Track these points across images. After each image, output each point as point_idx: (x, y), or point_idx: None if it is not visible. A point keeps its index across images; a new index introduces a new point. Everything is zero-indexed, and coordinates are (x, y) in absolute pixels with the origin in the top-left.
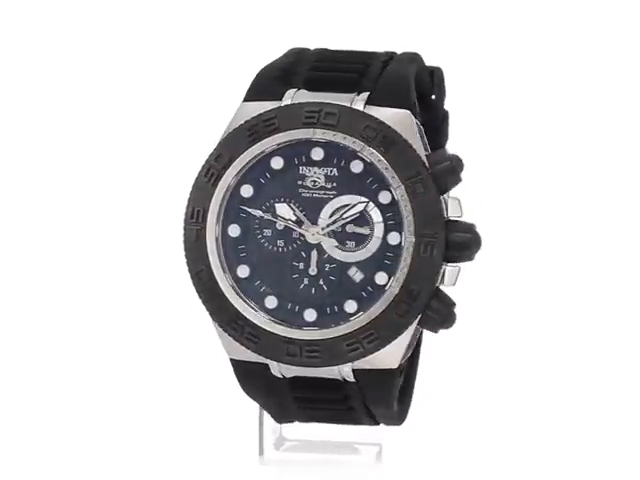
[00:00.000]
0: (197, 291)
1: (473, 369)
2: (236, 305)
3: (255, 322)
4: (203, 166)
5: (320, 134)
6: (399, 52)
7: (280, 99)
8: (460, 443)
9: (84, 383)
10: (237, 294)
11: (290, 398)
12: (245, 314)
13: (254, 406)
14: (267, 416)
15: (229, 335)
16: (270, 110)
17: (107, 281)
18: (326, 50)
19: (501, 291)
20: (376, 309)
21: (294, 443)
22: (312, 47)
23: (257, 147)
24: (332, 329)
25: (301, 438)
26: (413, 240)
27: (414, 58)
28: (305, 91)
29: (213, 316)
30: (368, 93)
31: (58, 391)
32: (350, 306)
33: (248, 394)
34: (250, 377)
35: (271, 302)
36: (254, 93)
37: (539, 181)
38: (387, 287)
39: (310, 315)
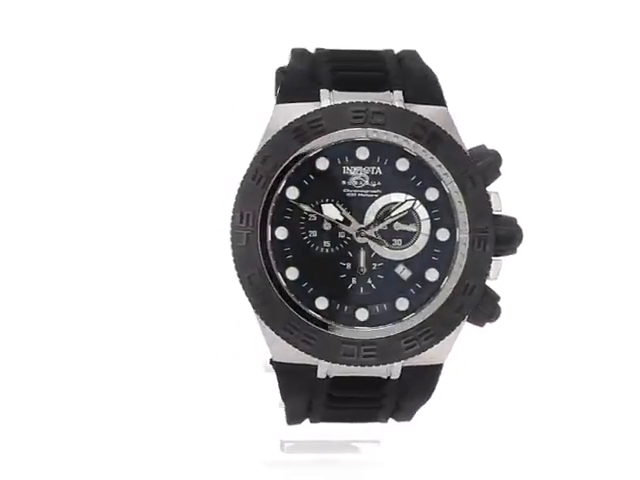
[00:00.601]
0: (248, 295)
1: (473, 368)
2: (292, 307)
3: (312, 324)
4: (249, 170)
5: (371, 133)
6: (396, 50)
7: (317, 100)
8: (460, 441)
9: (86, 384)
10: (291, 296)
11: (323, 398)
12: (300, 316)
13: (254, 406)
14: (267, 416)
15: (282, 338)
16: (314, 112)
17: (106, 281)
18: (337, 50)
19: (500, 291)
20: (432, 306)
21: (294, 444)
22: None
23: (305, 149)
24: (389, 327)
25: (302, 439)
26: (468, 235)
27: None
28: (338, 92)
29: (265, 320)
30: (401, 91)
31: (60, 391)
32: (402, 304)
33: (285, 395)
34: (293, 378)
35: (322, 303)
36: (287, 95)
37: (539, 181)
38: (439, 283)
39: (362, 314)
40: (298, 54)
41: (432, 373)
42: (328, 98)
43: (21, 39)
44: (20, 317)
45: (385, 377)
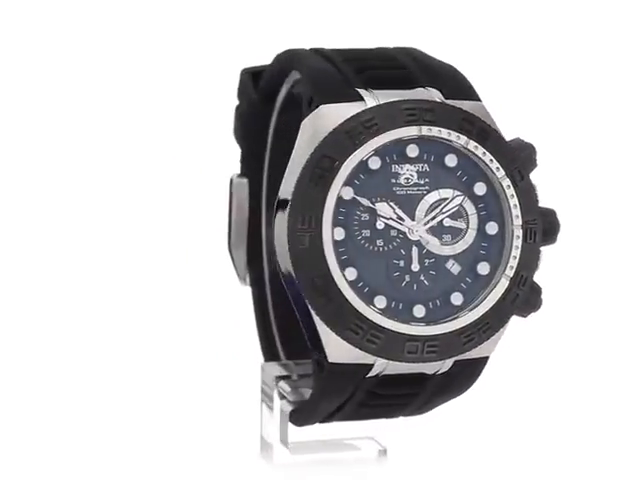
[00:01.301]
0: (310, 297)
1: None
2: (357, 307)
3: (377, 322)
4: (304, 172)
5: (425, 131)
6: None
7: (358, 100)
8: (461, 439)
9: (87, 382)
10: (352, 296)
11: (362, 397)
12: (367, 315)
13: (255, 407)
14: (268, 417)
15: (345, 339)
16: (365, 111)
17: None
18: (349, 50)
19: None
20: (489, 299)
21: (295, 444)
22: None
23: (364, 148)
24: (448, 322)
25: (302, 439)
26: (520, 228)
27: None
28: (376, 90)
29: (327, 322)
30: (437, 88)
31: (63, 389)
32: (456, 298)
33: (328, 395)
34: (341, 379)
35: (381, 302)
36: (326, 95)
37: (539, 181)
38: (491, 276)
39: (419, 311)
40: (310, 54)
41: (479, 366)
42: (371, 98)
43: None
44: (19, 318)
45: (431, 372)
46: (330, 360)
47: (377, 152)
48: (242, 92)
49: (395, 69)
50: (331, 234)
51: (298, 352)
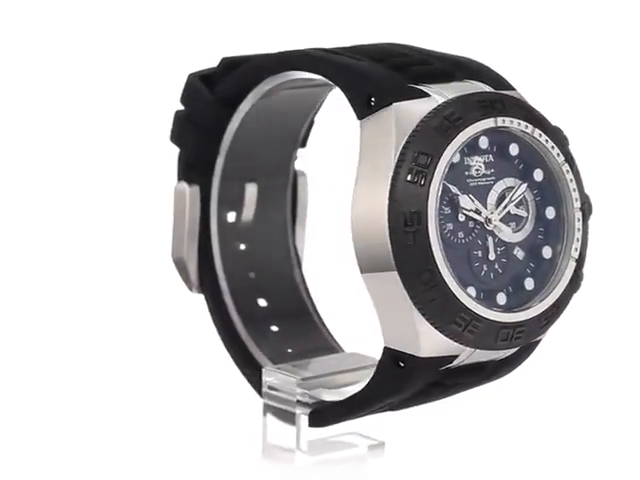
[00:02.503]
0: (414, 293)
1: None
2: (461, 299)
3: (478, 313)
4: (400, 170)
5: (500, 122)
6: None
7: (426, 96)
8: (461, 436)
9: (91, 381)
10: (459, 288)
11: (422, 388)
12: (470, 307)
13: (255, 408)
14: (269, 417)
15: (447, 332)
16: (444, 105)
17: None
18: (361, 47)
19: None
20: (562, 282)
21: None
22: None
23: (455, 143)
24: (533, 308)
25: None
26: (580, 210)
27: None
28: (431, 85)
29: (431, 316)
30: (478, 81)
31: (70, 386)
32: (529, 283)
33: (398, 390)
34: (423, 373)
35: (472, 292)
36: (392, 94)
37: None
38: (554, 259)
39: (501, 299)
40: (329, 54)
41: (532, 350)
42: (435, 93)
43: None
44: (18, 318)
45: (499, 359)
46: (422, 355)
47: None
48: (192, 97)
49: (425, 64)
50: (436, 230)
51: (283, 353)
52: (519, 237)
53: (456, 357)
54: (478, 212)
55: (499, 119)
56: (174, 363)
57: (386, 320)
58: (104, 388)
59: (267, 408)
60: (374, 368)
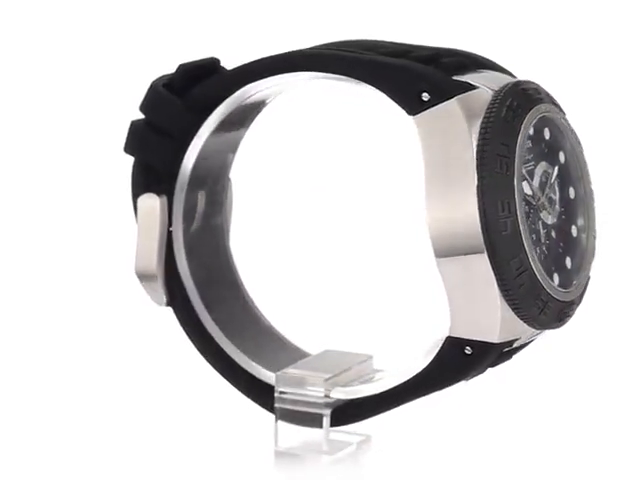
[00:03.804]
0: (505, 279)
1: None
2: (543, 282)
3: (553, 295)
4: (486, 158)
5: (544, 108)
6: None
7: (474, 88)
8: (455, 433)
9: (96, 380)
10: (542, 271)
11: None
12: (548, 289)
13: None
14: (269, 417)
15: (527, 315)
16: (503, 96)
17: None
18: (378, 41)
19: None
20: (589, 260)
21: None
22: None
23: (523, 130)
24: (576, 286)
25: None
26: (592, 188)
27: None
28: (467, 75)
29: (518, 301)
30: (496, 71)
31: (56, 385)
32: (568, 262)
33: (464, 373)
34: (489, 357)
35: (546, 275)
36: (447, 88)
37: None
38: (579, 237)
39: (555, 279)
40: (350, 54)
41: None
42: (479, 84)
43: None
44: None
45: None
46: (496, 341)
47: None
48: (158, 105)
49: (448, 57)
50: (523, 216)
51: (280, 356)
52: (553, 218)
53: (515, 340)
54: (535, 197)
55: (542, 106)
56: (182, 370)
57: (459, 309)
58: (113, 394)
59: (280, 413)
60: (371, 361)
